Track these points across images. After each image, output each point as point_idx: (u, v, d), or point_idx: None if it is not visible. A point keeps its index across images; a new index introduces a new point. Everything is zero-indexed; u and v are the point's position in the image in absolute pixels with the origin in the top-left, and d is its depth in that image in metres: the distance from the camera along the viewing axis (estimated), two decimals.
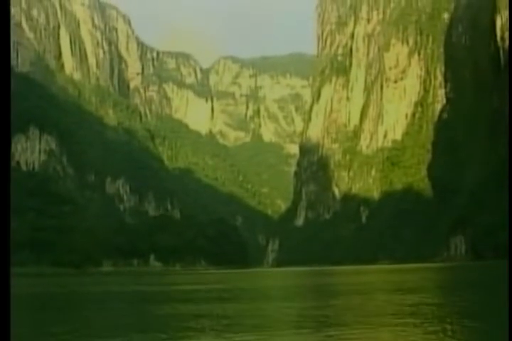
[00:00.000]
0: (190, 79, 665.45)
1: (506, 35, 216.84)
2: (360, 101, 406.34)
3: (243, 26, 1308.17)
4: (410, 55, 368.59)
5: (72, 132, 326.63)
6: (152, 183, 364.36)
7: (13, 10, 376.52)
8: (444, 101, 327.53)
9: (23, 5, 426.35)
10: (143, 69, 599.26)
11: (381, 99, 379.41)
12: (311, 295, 35.12)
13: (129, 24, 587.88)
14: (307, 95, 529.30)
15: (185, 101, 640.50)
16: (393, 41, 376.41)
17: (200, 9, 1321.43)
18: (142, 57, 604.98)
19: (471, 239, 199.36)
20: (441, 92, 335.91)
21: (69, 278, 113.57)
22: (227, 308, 25.57)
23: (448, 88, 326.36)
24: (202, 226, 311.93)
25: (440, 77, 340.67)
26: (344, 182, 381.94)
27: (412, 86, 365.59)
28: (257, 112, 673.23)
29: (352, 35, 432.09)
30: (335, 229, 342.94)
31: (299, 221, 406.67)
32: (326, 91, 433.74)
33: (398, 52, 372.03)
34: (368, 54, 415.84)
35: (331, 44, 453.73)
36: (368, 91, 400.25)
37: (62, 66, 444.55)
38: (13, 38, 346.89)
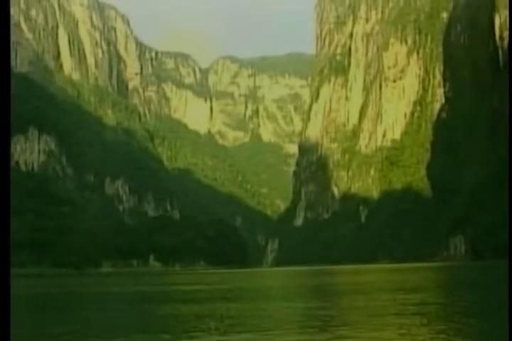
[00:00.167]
0: (189, 79, 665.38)
1: (505, 34, 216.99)
2: (359, 100, 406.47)
3: (242, 26, 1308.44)
4: (409, 54, 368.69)
5: (71, 132, 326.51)
6: (151, 184, 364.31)
7: (11, 10, 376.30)
8: (443, 100, 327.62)
9: (22, 5, 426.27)
10: (142, 69, 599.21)
11: (380, 98, 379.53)
12: (313, 295, 35.05)
13: (128, 24, 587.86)
14: (306, 95, 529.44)
15: (184, 101, 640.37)
16: (392, 41, 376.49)
17: (198, 9, 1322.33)
18: (141, 57, 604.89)
19: (470, 239, 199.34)
20: (440, 92, 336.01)
21: (69, 278, 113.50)
22: (230, 308, 25.50)
23: (447, 87, 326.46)
24: (201, 226, 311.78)
25: (439, 77, 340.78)
26: (343, 182, 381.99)
27: (410, 85, 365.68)
28: (256, 112, 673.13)
29: (351, 35, 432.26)
30: (334, 228, 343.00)
31: (299, 221, 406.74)
32: (325, 90, 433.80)
33: (397, 51, 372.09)
34: (366, 53, 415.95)
35: (330, 44, 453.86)
36: (366, 90, 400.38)
37: (60, 66, 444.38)
38: (11, 38, 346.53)
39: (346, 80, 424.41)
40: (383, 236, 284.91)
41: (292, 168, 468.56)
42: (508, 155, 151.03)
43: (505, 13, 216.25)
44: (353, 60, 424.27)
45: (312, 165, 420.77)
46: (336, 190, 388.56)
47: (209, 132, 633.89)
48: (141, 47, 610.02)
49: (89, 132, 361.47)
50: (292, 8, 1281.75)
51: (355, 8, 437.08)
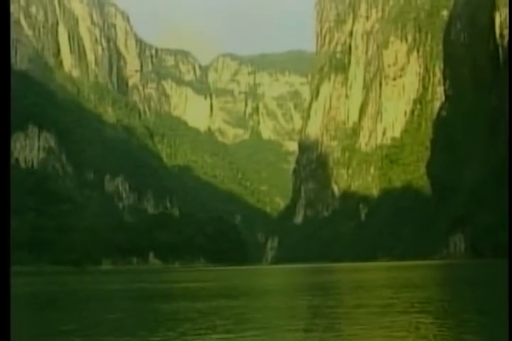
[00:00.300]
0: (189, 77, 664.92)
1: (505, 32, 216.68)
2: (359, 98, 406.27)
3: (242, 24, 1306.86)
4: (409, 52, 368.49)
5: (71, 130, 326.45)
6: (151, 181, 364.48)
7: (11, 7, 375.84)
8: (443, 98, 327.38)
9: (22, 2, 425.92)
10: (142, 66, 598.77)
11: (380, 96, 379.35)
12: (317, 292, 34.99)
13: (128, 21, 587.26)
14: (306, 93, 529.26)
15: (184, 98, 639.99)
16: (392, 39, 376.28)
17: (199, 6, 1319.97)
18: (141, 54, 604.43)
19: (470, 237, 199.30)
20: (440, 90, 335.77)
21: (69, 276, 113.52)
22: (233, 306, 25.53)
23: (447, 85, 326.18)
24: (201, 224, 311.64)
25: (439, 75, 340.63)
26: (343, 180, 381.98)
27: (410, 83, 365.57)
28: (256, 109, 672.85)
29: (351, 33, 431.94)
30: (334, 226, 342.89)
31: (298, 218, 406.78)
32: (325, 88, 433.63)
33: (397, 49, 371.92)
34: (366, 51, 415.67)
35: (330, 41, 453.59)
36: (366, 88, 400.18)
37: (60, 63, 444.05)
38: (11, 35, 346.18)
39: (346, 78, 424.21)
40: (383, 234, 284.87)
41: (292, 166, 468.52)
42: (507, 153, 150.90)
43: (506, 11, 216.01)
44: (353, 58, 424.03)
45: (312, 163, 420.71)
46: (335, 188, 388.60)
47: (209, 129, 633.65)
48: (141, 45, 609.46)
49: (89, 129, 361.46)
50: (292, 6, 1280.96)
51: (355, 7, 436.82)
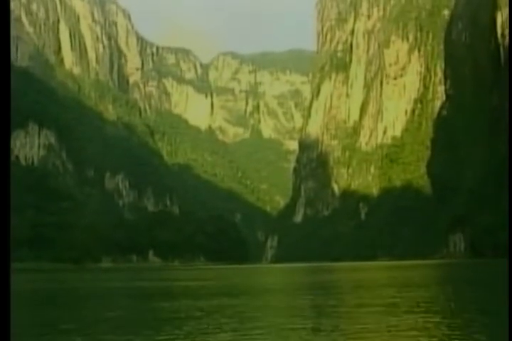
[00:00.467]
0: (189, 75, 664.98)
1: (507, 32, 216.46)
2: (359, 97, 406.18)
3: (243, 22, 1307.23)
4: (410, 51, 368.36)
5: (72, 127, 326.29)
6: (151, 179, 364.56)
7: (12, 4, 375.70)
8: (444, 98, 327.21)
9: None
10: (142, 64, 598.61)
11: (381, 95, 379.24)
12: (318, 292, 34.91)
13: (129, 19, 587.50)
14: (307, 91, 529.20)
15: (184, 96, 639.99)
16: (393, 38, 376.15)
17: (199, 5, 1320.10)
18: (142, 52, 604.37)
19: (470, 237, 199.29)
20: (440, 89, 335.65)
21: (69, 274, 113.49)
22: (236, 304, 25.49)
23: (448, 85, 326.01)
24: (201, 222, 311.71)
25: (440, 74, 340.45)
26: (343, 179, 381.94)
27: (411, 83, 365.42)
28: (257, 108, 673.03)
29: (352, 32, 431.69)
30: (334, 225, 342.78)
31: (298, 217, 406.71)
32: (326, 87, 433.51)
33: (398, 48, 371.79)
34: (367, 50, 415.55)
35: (331, 40, 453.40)
36: (367, 87, 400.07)
37: (61, 61, 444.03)
38: (12, 32, 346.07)
39: (347, 77, 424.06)
40: (383, 234, 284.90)
41: (292, 165, 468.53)
42: (508, 153, 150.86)
43: (507, 11, 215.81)
44: (354, 57, 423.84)
45: (312, 162, 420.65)
46: (335, 187, 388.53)
47: (209, 128, 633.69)
48: (142, 43, 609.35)
49: (89, 127, 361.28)
50: (294, 4, 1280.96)
51: (356, 5, 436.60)
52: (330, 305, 24.07)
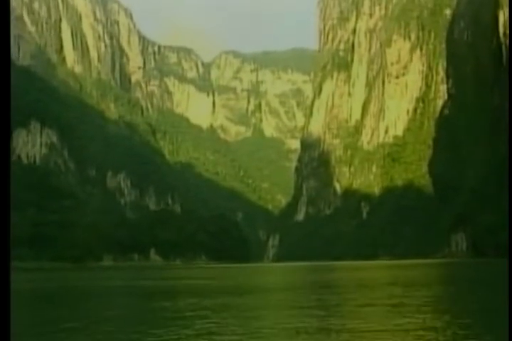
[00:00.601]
0: (191, 74, 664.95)
1: (508, 31, 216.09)
2: (361, 96, 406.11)
3: (245, 21, 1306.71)
4: (412, 50, 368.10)
5: (73, 126, 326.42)
6: (153, 178, 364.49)
7: (14, 3, 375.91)
8: (446, 97, 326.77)
9: None
10: (144, 63, 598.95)
11: (383, 94, 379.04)
12: (323, 291, 34.82)
13: (131, 18, 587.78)
14: (308, 90, 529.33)
15: (186, 95, 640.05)
16: (395, 37, 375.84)
17: (201, 3, 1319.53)
18: (144, 51, 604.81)
19: (471, 236, 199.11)
20: (442, 88, 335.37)
21: (70, 272, 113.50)
22: (241, 303, 25.46)
23: (450, 84, 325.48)
24: (202, 221, 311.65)
25: (442, 73, 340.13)
26: (345, 178, 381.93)
27: (413, 81, 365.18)
28: (258, 107, 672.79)
29: (354, 31, 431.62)
30: (335, 224, 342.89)
31: (300, 216, 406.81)
32: (328, 86, 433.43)
33: (400, 47, 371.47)
34: (369, 49, 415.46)
35: (333, 39, 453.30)
36: (369, 86, 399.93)
37: (63, 60, 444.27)
38: (14, 31, 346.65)
39: (349, 76, 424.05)
40: (385, 233, 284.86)
41: (294, 164, 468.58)
42: (508, 153, 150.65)
43: (509, 10, 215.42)
44: (356, 56, 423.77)
45: (314, 161, 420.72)
46: (337, 186, 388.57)
47: (211, 127, 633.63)
48: (144, 42, 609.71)
49: (91, 126, 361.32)
50: (295, 3, 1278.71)
51: (358, 4, 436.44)
52: (336, 304, 24.01)
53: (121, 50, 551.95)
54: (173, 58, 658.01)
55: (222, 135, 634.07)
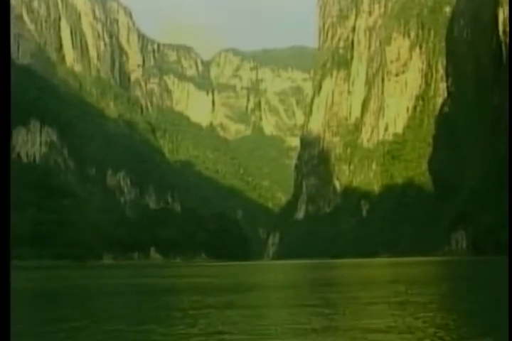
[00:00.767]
0: (191, 72, 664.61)
1: (508, 29, 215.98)
2: (361, 94, 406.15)
3: (244, 19, 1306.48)
4: (412, 48, 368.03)
5: (73, 124, 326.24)
6: (153, 176, 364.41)
7: (14, 2, 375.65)
8: (446, 94, 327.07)
9: None
10: (144, 61, 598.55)
11: (382, 92, 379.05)
12: (327, 289, 34.76)
13: (130, 16, 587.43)
14: (308, 88, 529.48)
15: (186, 93, 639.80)
16: (395, 35, 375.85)
17: (201, 2, 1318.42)
18: (143, 49, 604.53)
19: (471, 234, 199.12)
20: (442, 86, 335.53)
21: (71, 271, 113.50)
22: (246, 300, 25.46)
23: (449, 82, 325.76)
24: (202, 219, 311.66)
25: (441, 71, 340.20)
26: (345, 176, 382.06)
27: (413, 79, 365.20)
28: (258, 105, 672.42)
29: (353, 29, 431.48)
30: (335, 222, 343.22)
31: (300, 214, 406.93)
32: (327, 84, 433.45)
33: (400, 45, 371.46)
34: (369, 47, 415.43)
35: (333, 37, 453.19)
36: (369, 84, 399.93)
37: (63, 58, 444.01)
38: (14, 30, 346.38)
39: (349, 74, 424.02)
40: (384, 231, 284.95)
41: (294, 162, 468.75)
42: (508, 152, 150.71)
43: (509, 8, 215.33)
44: (355, 54, 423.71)
45: (314, 159, 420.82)
46: (337, 184, 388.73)
47: (211, 125, 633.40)
48: (143, 40, 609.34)
49: (91, 124, 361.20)
50: (295, 1, 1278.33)
51: (358, 2, 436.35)
52: (341, 302, 23.97)
53: (121, 49, 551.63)
54: (172, 56, 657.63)
55: (221, 133, 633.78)
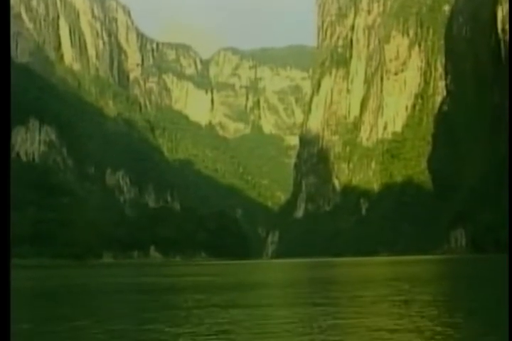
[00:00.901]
0: (190, 71, 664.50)
1: (507, 27, 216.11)
2: (360, 93, 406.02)
3: (243, 18, 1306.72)
4: (411, 47, 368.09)
5: (72, 123, 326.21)
6: (152, 175, 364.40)
7: (12, 0, 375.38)
8: (445, 93, 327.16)
9: None
10: (143, 60, 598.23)
11: (381, 91, 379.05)
12: (328, 287, 34.61)
13: (129, 15, 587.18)
14: (307, 87, 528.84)
15: (185, 92, 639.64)
16: (394, 33, 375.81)
17: (200, 0, 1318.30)
18: (142, 48, 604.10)
19: (471, 232, 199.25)
20: (441, 84, 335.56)
21: (71, 270, 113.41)
22: (249, 298, 25.40)
23: (448, 80, 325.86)
24: (202, 218, 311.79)
25: (440, 69, 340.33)
26: (344, 175, 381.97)
27: (412, 78, 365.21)
28: (257, 104, 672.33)
29: (352, 27, 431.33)
30: (335, 221, 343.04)
31: (299, 213, 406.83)
32: (326, 83, 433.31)
33: (398, 44, 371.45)
34: (368, 46, 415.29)
35: (331, 36, 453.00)
36: (368, 83, 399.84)
37: (61, 57, 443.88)
38: (12, 28, 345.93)
39: (348, 72, 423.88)
40: (384, 229, 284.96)
41: (293, 160, 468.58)
42: (508, 151, 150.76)
43: (508, 6, 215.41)
44: (354, 53, 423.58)
45: (313, 158, 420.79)
46: (336, 183, 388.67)
47: (210, 123, 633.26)
48: (142, 39, 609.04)
49: (89, 123, 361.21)
50: (294, 0, 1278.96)
51: (356, 1, 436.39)
52: (344, 300, 23.88)
53: (120, 48, 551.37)
54: (171, 55, 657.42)
55: (221, 132, 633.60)
